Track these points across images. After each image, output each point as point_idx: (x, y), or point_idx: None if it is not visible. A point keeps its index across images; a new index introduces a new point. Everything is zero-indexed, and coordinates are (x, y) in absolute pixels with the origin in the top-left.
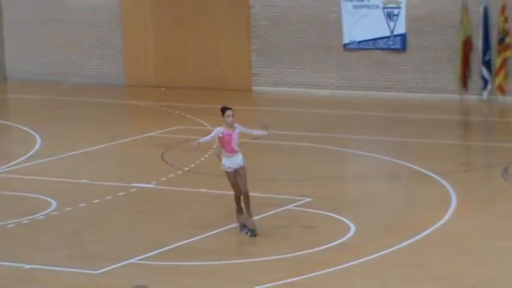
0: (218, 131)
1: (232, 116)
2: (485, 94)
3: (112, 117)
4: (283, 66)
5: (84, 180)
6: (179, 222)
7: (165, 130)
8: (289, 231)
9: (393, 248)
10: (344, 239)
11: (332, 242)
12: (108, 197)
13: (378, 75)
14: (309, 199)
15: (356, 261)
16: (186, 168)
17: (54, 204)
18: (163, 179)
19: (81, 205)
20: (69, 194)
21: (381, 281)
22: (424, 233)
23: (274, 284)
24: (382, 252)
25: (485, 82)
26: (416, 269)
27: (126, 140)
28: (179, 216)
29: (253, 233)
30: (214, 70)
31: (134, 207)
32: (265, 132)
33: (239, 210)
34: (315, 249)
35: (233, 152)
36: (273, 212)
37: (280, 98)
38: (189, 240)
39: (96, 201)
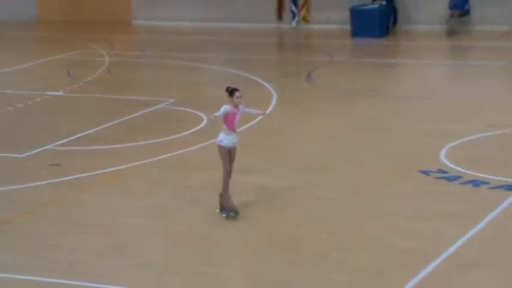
0: (225, 108)
1: (241, 96)
2: (293, 23)
3: (24, 45)
4: (158, 3)
5: (8, 91)
6: (84, 117)
7: (70, 53)
8: (163, 123)
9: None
10: (200, 127)
11: (193, 129)
12: (29, 102)
13: (225, 11)
14: (174, 99)
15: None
16: (86, 80)
17: None
18: (69, 88)
19: (8, 108)
20: None
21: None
22: (252, 122)
23: (155, 159)
24: None
25: (294, 14)
26: (249, 146)
27: (39, 61)
28: (84, 114)
29: (236, 212)
30: (105, 7)
31: (48, 108)
32: (260, 111)
33: (225, 193)
34: (181, 134)
35: (234, 130)
36: (148, 110)
37: (155, 29)
38: (95, 129)
39: (20, 105)
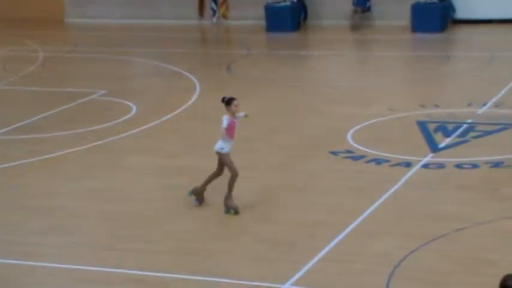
0: (227, 119)
1: (238, 105)
2: (214, 20)
3: None
4: (88, 1)
5: None
6: (22, 109)
7: (5, 49)
8: (96, 112)
9: (165, 118)
10: (129, 116)
11: (123, 118)
12: None
13: (151, 9)
14: (106, 91)
15: (141, 128)
16: (21, 74)
17: None
18: (5, 81)
19: None
20: None
21: (159, 139)
22: (179, 110)
23: (90, 145)
24: (157, 121)
25: (214, 12)
26: (176, 131)
27: None
28: (21, 105)
29: (237, 211)
30: (38, 4)
31: None
32: (244, 112)
33: (231, 195)
34: (113, 122)
35: (233, 138)
36: (81, 100)
37: (86, 26)
38: (32, 119)
39: None
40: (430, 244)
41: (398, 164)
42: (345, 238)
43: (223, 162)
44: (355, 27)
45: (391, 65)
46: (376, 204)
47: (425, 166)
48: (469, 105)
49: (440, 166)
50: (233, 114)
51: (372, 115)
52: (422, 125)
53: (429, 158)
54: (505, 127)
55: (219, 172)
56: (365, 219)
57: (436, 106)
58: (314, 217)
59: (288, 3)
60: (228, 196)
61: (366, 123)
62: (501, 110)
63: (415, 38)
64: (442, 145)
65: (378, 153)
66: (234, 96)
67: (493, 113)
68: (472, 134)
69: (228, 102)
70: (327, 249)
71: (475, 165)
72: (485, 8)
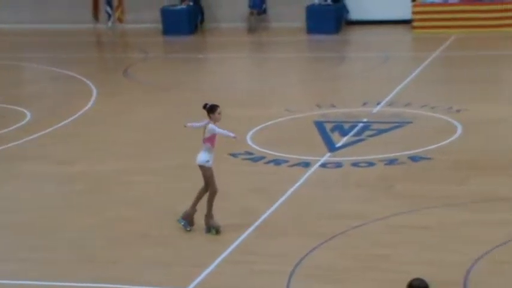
0: (215, 127)
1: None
2: (109, 23)
3: None
4: None
5: None
6: None
7: None
8: None
9: (61, 123)
10: (23, 122)
11: (16, 125)
12: None
13: (44, 13)
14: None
15: (36, 134)
16: None
17: None
18: None
19: None
20: None
21: (54, 146)
22: (75, 115)
23: None
24: (52, 127)
25: (109, 15)
26: (73, 137)
27: None
28: None
29: (218, 230)
30: None
31: None
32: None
33: (211, 214)
34: (5, 130)
35: (214, 147)
36: None
37: None
38: None
39: None
40: (329, 242)
41: (297, 164)
42: (246, 239)
43: (206, 176)
44: (251, 30)
45: (288, 66)
46: (276, 204)
47: (323, 165)
48: (364, 104)
49: (338, 165)
50: (215, 122)
51: (270, 116)
52: (319, 125)
53: (327, 157)
54: (398, 125)
55: (206, 187)
56: (266, 220)
57: (333, 106)
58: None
59: (184, 6)
60: (209, 215)
61: (264, 124)
62: (394, 108)
63: (310, 40)
64: (339, 144)
65: (276, 154)
66: (217, 104)
67: (387, 111)
68: (367, 132)
69: (211, 109)
70: (228, 251)
71: (371, 164)
72: (377, 10)
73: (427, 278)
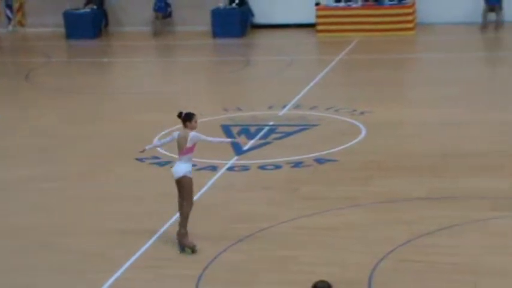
0: (197, 135)
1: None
2: (10, 28)
3: None
4: None
5: None
6: None
7: None
8: None
9: None
10: None
11: None
12: None
13: None
14: None
15: None
16: None
17: None
18: None
19: None
20: None
21: None
22: None
23: None
24: None
25: (9, 19)
26: None
27: None
28: None
29: (194, 249)
30: None
31: None
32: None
33: (186, 231)
34: None
35: None
36: None
37: None
38: None
39: None
40: (237, 245)
41: (204, 168)
42: (154, 244)
43: (187, 187)
44: (156, 34)
45: (194, 70)
46: None
47: (231, 169)
48: (270, 107)
49: (245, 168)
50: (192, 130)
51: (176, 121)
52: (226, 129)
53: (234, 160)
54: (303, 128)
55: (184, 200)
56: (174, 224)
57: (239, 110)
58: (123, 225)
59: (87, 9)
60: (184, 232)
61: (171, 128)
62: (300, 111)
63: (216, 43)
64: (245, 148)
65: None
66: (193, 112)
67: (293, 114)
68: (273, 135)
69: (188, 117)
70: (136, 256)
71: (277, 166)
72: (282, 13)
73: (333, 278)
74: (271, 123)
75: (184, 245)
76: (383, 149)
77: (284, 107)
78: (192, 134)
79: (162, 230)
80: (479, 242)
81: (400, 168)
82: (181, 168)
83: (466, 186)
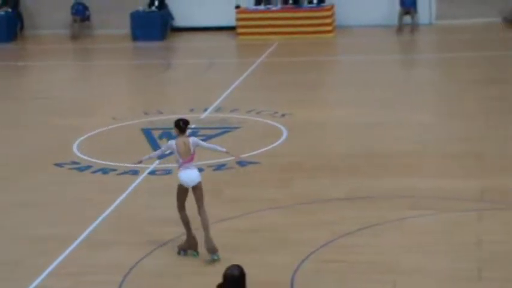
0: (197, 139)
1: None
2: None
3: None
4: None
5: None
6: None
7: None
8: None
9: None
10: None
11: None
12: None
13: None
14: None
15: None
16: None
17: None
18: None
19: None
20: None
21: None
22: None
23: None
24: None
25: None
26: None
27: None
28: None
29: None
30: None
31: None
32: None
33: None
34: None
35: None
36: None
37: None
38: None
39: None
40: (159, 249)
41: (125, 173)
42: (74, 251)
43: (202, 191)
44: (74, 37)
45: (113, 74)
46: (105, 213)
47: (152, 173)
48: (192, 110)
49: (167, 172)
50: (189, 137)
51: (96, 125)
52: (147, 132)
53: (155, 164)
54: (225, 130)
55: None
56: (94, 230)
57: (160, 113)
58: (41, 232)
59: (2, 12)
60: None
61: (91, 133)
62: (221, 114)
63: (135, 47)
64: (167, 152)
65: (104, 162)
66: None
67: (214, 117)
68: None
69: (187, 125)
70: (55, 263)
71: (199, 169)
72: (202, 16)
73: (256, 279)
74: (192, 126)
75: (214, 249)
76: (304, 151)
77: (205, 110)
78: (193, 139)
79: (83, 235)
80: (398, 241)
81: (321, 170)
82: (197, 173)
83: (385, 186)
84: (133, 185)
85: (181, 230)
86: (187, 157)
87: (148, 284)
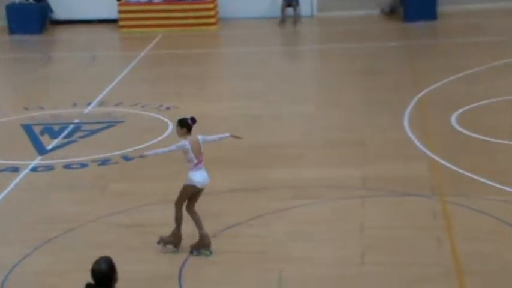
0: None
1: None
2: None
3: None
4: None
5: None
6: None
7: None
8: None
9: None
10: None
11: None
12: None
13: None
14: None
15: None
16: None
17: None
18: None
19: None
20: None
21: None
22: None
23: None
24: None
25: None
26: None
27: None
28: None
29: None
30: None
31: None
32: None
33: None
34: None
35: None
36: None
37: None
38: None
39: None
40: (44, 247)
41: (5, 170)
42: None
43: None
44: None
45: None
46: None
47: (34, 169)
48: (74, 105)
49: (49, 168)
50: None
51: None
52: (28, 128)
53: (37, 161)
54: (109, 125)
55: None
56: None
57: (41, 108)
58: None
59: None
60: (204, 235)
61: None
62: (105, 108)
63: (13, 40)
64: (49, 147)
65: None
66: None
67: (98, 112)
68: (79, 134)
69: (194, 123)
70: None
71: (83, 165)
72: (83, 9)
73: (145, 275)
74: (76, 121)
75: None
76: None
77: (88, 104)
78: (201, 137)
79: None
80: (284, 229)
81: (209, 162)
82: (207, 173)
83: (271, 177)
84: (14, 182)
85: (66, 226)
86: (200, 156)
87: (33, 283)
